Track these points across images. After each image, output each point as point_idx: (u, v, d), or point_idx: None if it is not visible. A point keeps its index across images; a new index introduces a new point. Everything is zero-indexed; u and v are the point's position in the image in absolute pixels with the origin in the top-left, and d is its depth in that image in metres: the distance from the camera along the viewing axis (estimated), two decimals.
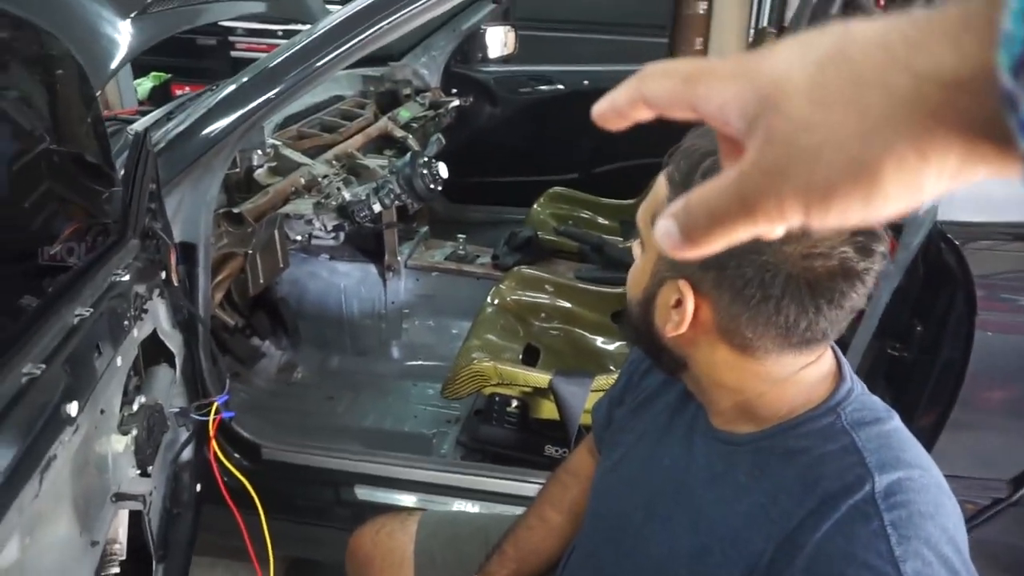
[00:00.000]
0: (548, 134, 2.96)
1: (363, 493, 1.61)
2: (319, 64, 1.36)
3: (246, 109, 1.35)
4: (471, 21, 2.78)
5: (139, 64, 4.27)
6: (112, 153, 1.11)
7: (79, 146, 1.08)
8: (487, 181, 3.05)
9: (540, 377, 1.65)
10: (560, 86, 2.93)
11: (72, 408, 0.75)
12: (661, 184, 0.72)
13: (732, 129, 0.31)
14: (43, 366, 0.74)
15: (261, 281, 1.73)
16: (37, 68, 1.05)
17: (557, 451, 1.71)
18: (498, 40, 3.09)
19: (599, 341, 1.93)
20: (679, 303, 0.70)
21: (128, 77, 3.55)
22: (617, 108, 0.36)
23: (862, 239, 0.63)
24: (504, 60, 3.20)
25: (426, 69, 2.78)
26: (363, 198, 1.78)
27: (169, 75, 3.85)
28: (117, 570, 1.04)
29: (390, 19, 1.34)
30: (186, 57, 3.99)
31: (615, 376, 1.66)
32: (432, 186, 1.79)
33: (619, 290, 1.91)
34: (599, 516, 0.94)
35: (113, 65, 1.68)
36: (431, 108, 2.62)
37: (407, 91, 2.61)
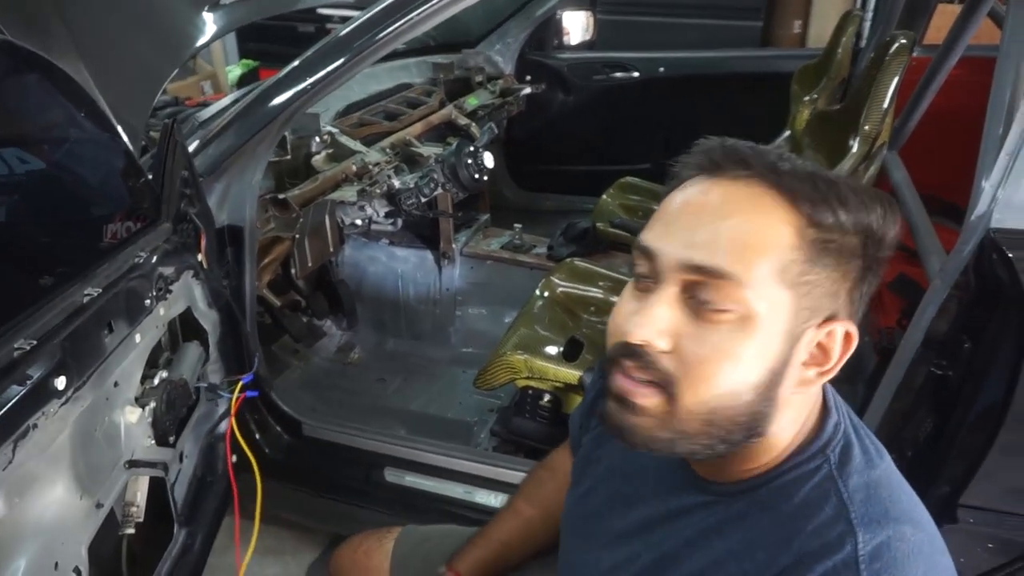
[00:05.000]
0: (621, 122, 2.90)
1: (392, 476, 1.65)
2: (347, 59, 1.38)
3: (284, 98, 1.41)
4: (546, 7, 2.75)
5: (246, 51, 4.53)
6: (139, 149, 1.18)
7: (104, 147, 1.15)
8: (557, 169, 3.03)
9: (570, 373, 1.63)
10: (635, 73, 2.85)
11: (60, 382, 0.81)
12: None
13: None
14: (34, 342, 0.80)
15: (309, 264, 1.80)
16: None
17: None
18: (577, 25, 3.05)
19: None
20: (824, 345, 0.61)
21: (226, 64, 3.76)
22: None
23: None
24: (587, 46, 3.16)
25: (500, 56, 2.78)
26: (411, 186, 1.81)
27: (257, 62, 4.04)
28: (132, 531, 1.12)
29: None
30: (286, 44, 4.18)
31: None
32: (477, 176, 1.79)
33: None
34: (567, 543, 0.89)
35: (187, 53, 1.79)
36: (501, 96, 2.62)
37: (479, 78, 2.62)
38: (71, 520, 0.92)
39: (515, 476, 1.57)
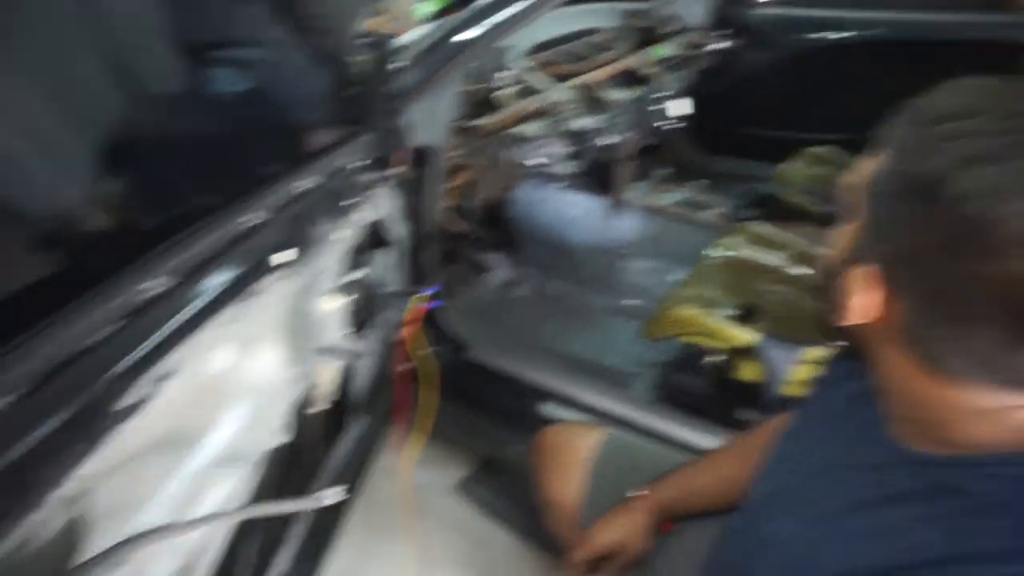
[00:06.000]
0: (821, 87, 2.68)
1: (549, 410, 1.69)
2: None
3: (484, 29, 1.44)
4: None
5: None
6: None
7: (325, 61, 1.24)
8: (743, 132, 2.88)
9: (742, 336, 1.57)
10: (846, 34, 2.61)
11: (280, 257, 0.90)
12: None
13: None
14: (262, 216, 0.89)
15: (485, 196, 1.85)
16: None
17: (748, 415, 1.63)
18: None
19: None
20: (865, 290, 0.60)
21: None
22: None
23: None
24: (788, 1, 2.95)
25: (693, 6, 2.67)
26: (593, 129, 1.80)
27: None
28: (316, 410, 1.24)
29: None
30: None
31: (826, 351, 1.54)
32: (662, 125, 1.75)
33: None
34: (761, 480, 0.89)
35: None
36: (692, 48, 2.52)
37: (669, 28, 2.53)
38: (280, 385, 1.02)
39: (671, 431, 1.55)
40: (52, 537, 0.62)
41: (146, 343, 0.66)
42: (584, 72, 2.07)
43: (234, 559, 1.03)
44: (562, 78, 2.01)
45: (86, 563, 0.69)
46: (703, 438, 1.51)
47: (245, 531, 1.05)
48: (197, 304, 0.72)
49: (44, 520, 0.58)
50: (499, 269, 2.33)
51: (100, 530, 0.73)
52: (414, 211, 1.47)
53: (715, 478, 1.06)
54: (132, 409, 0.63)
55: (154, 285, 0.71)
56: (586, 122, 1.84)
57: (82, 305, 0.65)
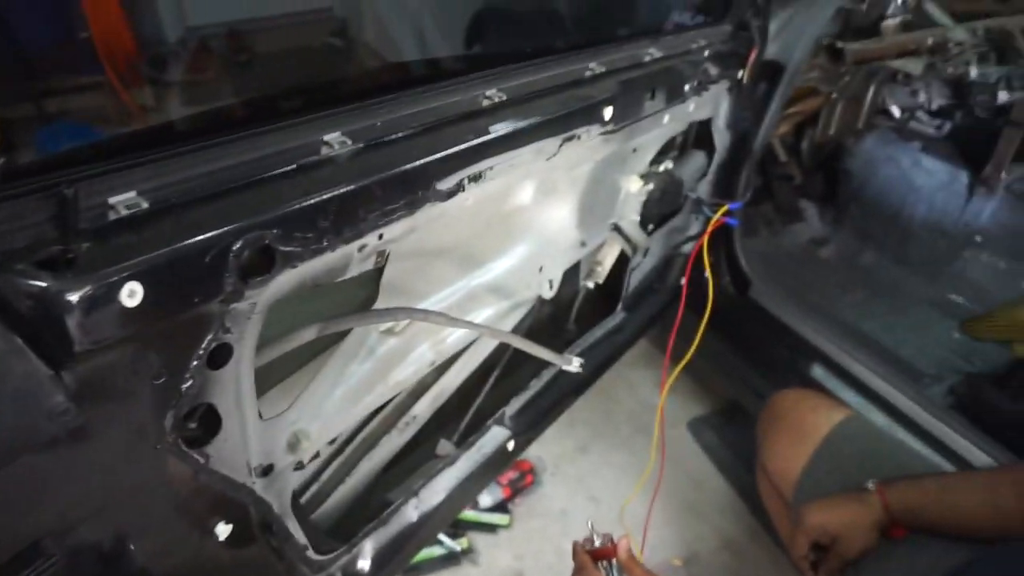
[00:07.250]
0: None
1: (819, 373, 1.53)
2: None
3: None
4: None
5: None
6: None
7: None
8: None
9: None
10: None
11: (607, 112, 0.89)
12: None
13: None
14: (602, 69, 0.89)
15: (830, 132, 1.65)
16: None
17: None
18: None
19: None
20: None
21: None
22: None
23: None
24: None
25: None
26: (990, 81, 1.49)
27: None
28: (592, 285, 1.25)
29: None
30: None
31: None
32: None
33: None
34: None
35: None
36: None
37: None
38: (562, 242, 1.05)
39: (959, 446, 1.31)
40: (359, 278, 0.71)
41: (470, 139, 0.70)
42: (1003, 13, 1.70)
43: (476, 385, 1.12)
44: (975, 17, 1.68)
45: (374, 311, 0.79)
46: (991, 464, 1.26)
47: (490, 364, 1.12)
48: (520, 123, 0.74)
49: (354, 256, 0.65)
50: (810, 221, 2.12)
51: (385, 298, 0.82)
52: (744, 123, 1.37)
53: (986, 504, 0.88)
54: (443, 195, 0.68)
55: (490, 95, 0.74)
56: (985, 72, 1.53)
57: (433, 92, 0.71)
